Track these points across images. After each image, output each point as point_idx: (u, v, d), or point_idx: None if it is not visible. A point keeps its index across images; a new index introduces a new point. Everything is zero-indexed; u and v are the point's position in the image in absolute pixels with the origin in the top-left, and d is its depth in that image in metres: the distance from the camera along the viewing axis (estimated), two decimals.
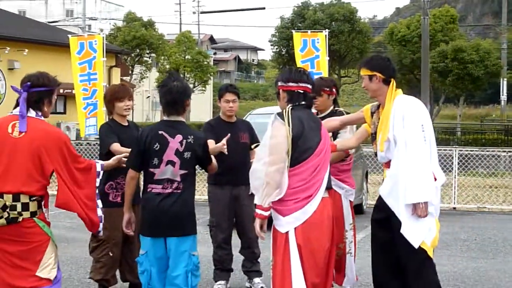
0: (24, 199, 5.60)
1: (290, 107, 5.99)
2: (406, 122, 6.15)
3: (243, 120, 9.14)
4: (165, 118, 6.38)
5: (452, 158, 17.73)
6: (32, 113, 5.75)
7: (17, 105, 5.78)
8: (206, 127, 8.58)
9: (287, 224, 5.84)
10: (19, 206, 5.58)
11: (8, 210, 5.56)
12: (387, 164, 6.40)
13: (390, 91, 6.39)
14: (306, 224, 5.80)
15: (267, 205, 5.83)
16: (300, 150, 5.84)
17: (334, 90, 8.01)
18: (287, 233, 5.83)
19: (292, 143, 5.82)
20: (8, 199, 5.56)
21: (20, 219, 5.59)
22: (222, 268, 8.55)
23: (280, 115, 5.93)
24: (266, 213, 5.86)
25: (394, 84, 6.43)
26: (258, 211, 5.89)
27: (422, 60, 33.28)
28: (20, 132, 5.64)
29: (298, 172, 5.85)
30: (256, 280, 8.62)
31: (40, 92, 5.80)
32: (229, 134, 7.64)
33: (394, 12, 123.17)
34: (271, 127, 5.92)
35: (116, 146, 7.42)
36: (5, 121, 5.75)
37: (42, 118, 5.83)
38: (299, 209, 5.81)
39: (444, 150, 18.54)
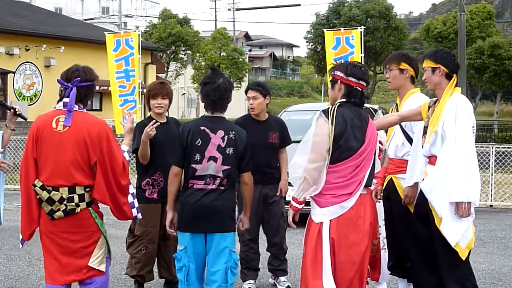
0: (79, 190, 5.77)
1: (338, 104, 5.97)
2: (458, 119, 6.10)
3: (276, 119, 8.80)
4: (207, 114, 6.38)
5: (489, 155, 17.54)
6: (75, 106, 5.88)
7: (60, 100, 5.90)
8: None
9: (322, 215, 5.87)
10: (76, 198, 5.76)
11: (65, 202, 5.73)
12: (430, 159, 6.36)
13: (450, 86, 6.35)
14: (342, 218, 5.81)
15: (302, 199, 5.93)
16: (342, 149, 5.83)
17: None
18: (321, 224, 5.86)
19: (333, 141, 5.81)
20: (64, 191, 5.73)
21: (78, 210, 5.78)
22: (249, 267, 8.50)
23: (326, 112, 5.90)
24: (300, 206, 5.98)
25: (455, 80, 6.39)
26: (292, 202, 5.99)
27: (459, 57, 33.05)
28: (65, 126, 5.76)
29: (339, 169, 5.84)
30: (282, 278, 8.59)
31: (88, 87, 5.95)
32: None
33: (430, 9, 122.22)
34: (315, 124, 5.91)
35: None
36: (49, 117, 5.88)
37: (84, 110, 5.95)
38: (335, 203, 5.82)
39: (481, 147, 18.36)
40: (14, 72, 30.81)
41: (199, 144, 6.17)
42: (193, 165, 6.19)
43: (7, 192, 7.49)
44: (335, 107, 5.93)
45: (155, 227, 7.67)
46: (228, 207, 6.25)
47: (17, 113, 6.86)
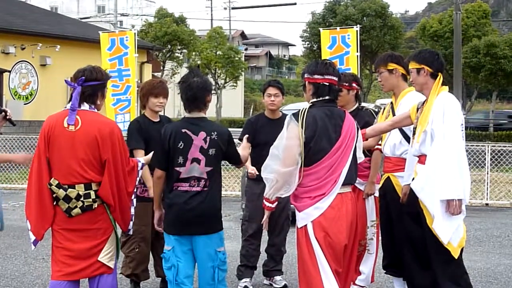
0: (95, 186, 5.87)
1: (309, 105, 6.02)
2: (447, 118, 6.12)
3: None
4: (186, 114, 6.35)
5: (485, 154, 17.58)
6: (85, 106, 5.96)
7: (70, 99, 5.95)
8: (246, 124, 8.54)
9: (301, 219, 5.95)
10: (92, 194, 5.86)
11: (82, 199, 5.81)
12: (420, 159, 6.36)
13: (436, 85, 6.36)
14: (323, 219, 5.84)
15: (273, 198, 6.07)
16: (314, 151, 5.87)
17: (354, 85, 7.88)
18: (305, 227, 5.91)
19: (304, 145, 5.85)
20: (80, 188, 5.82)
21: (95, 205, 5.88)
22: (247, 264, 8.50)
23: (296, 115, 5.94)
24: (273, 205, 6.15)
25: (441, 78, 6.40)
26: (266, 203, 6.14)
27: (455, 56, 33.11)
28: (75, 125, 5.83)
29: (314, 171, 5.89)
30: (278, 277, 8.59)
31: (94, 86, 6.00)
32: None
33: (426, 7, 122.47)
34: (287, 129, 5.95)
35: (139, 154, 7.42)
36: (60, 116, 5.94)
37: (96, 110, 6.01)
38: (311, 205, 5.88)
39: (477, 145, 18.39)
40: (9, 71, 30.74)
41: (181, 147, 6.15)
42: (177, 168, 6.17)
43: (4, 191, 7.50)
44: (305, 109, 5.97)
45: (147, 225, 7.65)
46: (214, 208, 6.25)
47: (7, 117, 6.78)
